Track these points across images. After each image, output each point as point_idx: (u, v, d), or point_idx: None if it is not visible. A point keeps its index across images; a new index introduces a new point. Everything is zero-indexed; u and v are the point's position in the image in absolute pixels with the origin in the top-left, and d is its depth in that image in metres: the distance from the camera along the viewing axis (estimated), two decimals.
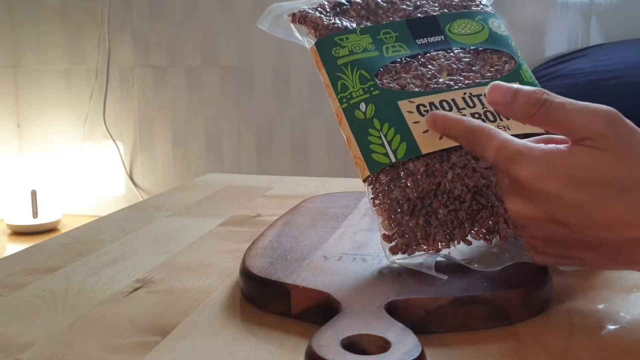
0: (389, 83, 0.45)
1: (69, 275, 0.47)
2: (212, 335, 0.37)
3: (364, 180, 0.43)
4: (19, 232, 2.26)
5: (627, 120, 0.36)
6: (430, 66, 0.47)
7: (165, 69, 2.32)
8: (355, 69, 0.45)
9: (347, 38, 0.47)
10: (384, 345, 0.31)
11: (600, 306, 0.41)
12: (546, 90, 0.38)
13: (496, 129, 0.39)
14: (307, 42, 0.48)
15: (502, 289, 0.39)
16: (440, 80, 0.46)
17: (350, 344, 0.31)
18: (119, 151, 2.38)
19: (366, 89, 0.44)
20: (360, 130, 0.43)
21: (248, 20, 2.23)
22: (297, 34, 0.49)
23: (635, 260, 0.36)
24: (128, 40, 2.33)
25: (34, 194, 2.28)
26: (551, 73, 1.86)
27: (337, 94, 0.45)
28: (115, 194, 2.41)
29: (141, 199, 2.34)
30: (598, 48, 1.92)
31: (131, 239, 0.58)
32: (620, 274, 0.47)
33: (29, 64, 2.42)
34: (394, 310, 0.35)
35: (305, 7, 0.49)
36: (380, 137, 0.43)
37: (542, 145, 0.37)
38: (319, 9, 0.49)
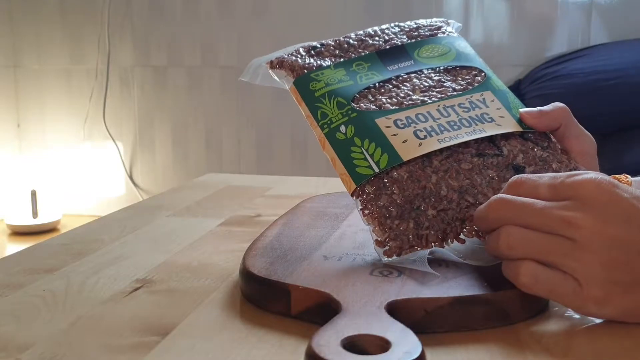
0: (366, 105, 0.47)
1: (69, 275, 0.47)
2: (212, 335, 0.37)
3: (352, 194, 0.45)
4: (19, 232, 2.26)
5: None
6: (403, 87, 0.49)
7: (165, 69, 2.32)
8: (333, 98, 0.47)
9: (322, 73, 0.49)
10: (384, 345, 0.31)
11: None
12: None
13: (529, 175, 0.40)
14: (287, 82, 0.51)
15: (502, 289, 0.39)
16: (414, 97, 0.48)
17: (350, 344, 0.31)
18: (119, 151, 2.38)
19: (344, 113, 0.46)
20: (342, 149, 0.45)
21: (248, 20, 2.23)
22: (276, 78, 0.52)
23: None
24: (128, 40, 2.33)
25: (34, 194, 2.28)
26: (551, 73, 1.86)
27: (317, 121, 0.47)
28: (115, 194, 2.41)
29: (141, 199, 2.34)
30: (598, 48, 1.92)
31: (131, 239, 0.58)
32: None
33: (29, 64, 2.42)
34: (394, 310, 0.35)
35: (281, 53, 0.52)
36: (362, 152, 0.44)
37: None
38: (294, 53, 0.52)
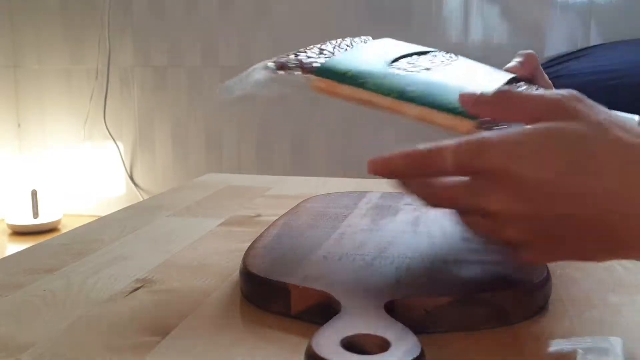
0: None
1: (69, 275, 0.47)
2: (212, 335, 0.37)
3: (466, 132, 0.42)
4: (19, 232, 2.26)
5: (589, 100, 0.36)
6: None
7: (165, 69, 2.32)
8: (367, 73, 0.46)
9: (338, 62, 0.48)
10: (384, 345, 0.31)
11: (601, 306, 0.41)
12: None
13: (442, 143, 0.37)
14: (303, 79, 0.48)
15: (502, 289, 0.39)
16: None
17: (350, 344, 0.31)
18: (119, 151, 2.39)
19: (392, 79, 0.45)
20: (427, 99, 0.43)
21: (248, 20, 2.23)
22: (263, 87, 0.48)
23: (630, 244, 0.34)
24: (128, 40, 2.33)
25: (34, 194, 2.28)
26: (551, 73, 1.86)
27: (377, 92, 0.44)
28: (116, 194, 2.41)
29: (141, 199, 2.34)
30: (598, 48, 1.92)
31: (131, 239, 0.58)
32: (621, 274, 0.47)
33: (29, 64, 2.42)
34: (394, 310, 0.35)
35: (282, 57, 0.50)
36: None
37: (494, 132, 0.36)
38: (298, 54, 0.51)
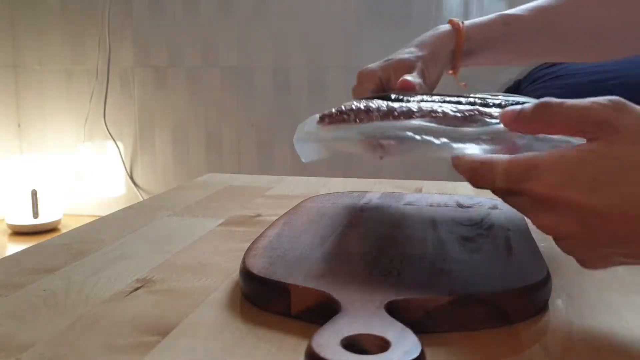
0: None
1: (69, 275, 0.48)
2: (212, 335, 0.37)
3: None
4: (19, 232, 2.26)
5: (634, 105, 0.35)
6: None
7: (165, 69, 2.32)
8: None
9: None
10: (384, 345, 0.31)
11: (601, 306, 0.41)
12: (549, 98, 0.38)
13: (495, 156, 0.38)
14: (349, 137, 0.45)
15: (502, 289, 0.39)
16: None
17: (350, 344, 0.31)
18: (119, 151, 2.39)
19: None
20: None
21: (248, 20, 2.23)
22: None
23: None
24: (128, 41, 2.33)
25: (34, 194, 2.28)
26: (551, 73, 1.85)
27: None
28: (116, 194, 2.41)
29: (141, 199, 2.34)
30: None
31: (131, 239, 0.58)
32: (621, 274, 0.47)
33: (29, 64, 2.42)
34: (394, 310, 0.35)
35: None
36: None
37: (547, 153, 0.35)
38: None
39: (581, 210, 0.34)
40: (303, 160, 0.48)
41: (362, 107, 0.45)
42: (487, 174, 0.37)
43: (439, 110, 0.44)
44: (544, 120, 0.37)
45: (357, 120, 0.45)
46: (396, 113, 0.44)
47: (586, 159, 0.34)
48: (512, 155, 0.37)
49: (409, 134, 0.42)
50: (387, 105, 0.45)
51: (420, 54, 0.66)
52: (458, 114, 0.43)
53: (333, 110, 0.47)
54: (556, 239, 0.37)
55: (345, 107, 0.47)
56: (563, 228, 0.35)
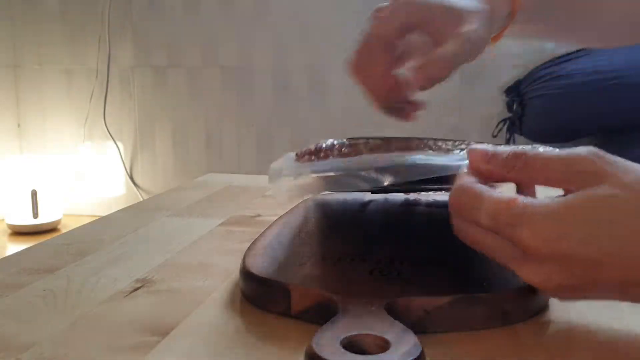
0: None
1: (69, 275, 0.47)
2: (212, 335, 0.37)
3: None
4: (19, 232, 2.26)
5: (608, 154, 0.35)
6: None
7: (165, 69, 2.32)
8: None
9: None
10: (384, 345, 0.31)
11: (601, 306, 0.41)
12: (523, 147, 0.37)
13: (483, 187, 0.36)
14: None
15: (502, 289, 0.39)
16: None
17: (350, 344, 0.31)
18: (119, 151, 2.39)
19: None
20: None
21: (248, 20, 2.23)
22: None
23: None
24: (128, 40, 2.33)
25: (34, 193, 2.28)
26: (551, 73, 1.85)
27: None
28: (115, 194, 2.41)
29: (141, 199, 2.34)
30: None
31: (131, 239, 0.58)
32: None
33: (29, 64, 2.42)
34: (394, 310, 0.35)
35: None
36: None
37: (537, 203, 0.34)
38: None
39: (575, 262, 0.33)
40: (277, 199, 0.47)
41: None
42: (471, 202, 0.36)
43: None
44: (522, 167, 0.36)
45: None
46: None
47: (578, 209, 0.33)
48: (501, 196, 0.35)
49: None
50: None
51: (481, 5, 0.52)
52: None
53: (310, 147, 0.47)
54: (544, 290, 0.36)
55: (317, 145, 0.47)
56: (554, 281, 0.34)
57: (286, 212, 0.58)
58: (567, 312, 0.40)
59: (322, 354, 0.29)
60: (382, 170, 0.41)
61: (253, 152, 2.30)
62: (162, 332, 0.37)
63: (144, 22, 2.31)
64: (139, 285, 0.45)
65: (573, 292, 0.35)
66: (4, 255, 0.57)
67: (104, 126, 2.37)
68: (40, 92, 2.42)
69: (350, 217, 0.56)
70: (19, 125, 2.46)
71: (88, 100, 2.37)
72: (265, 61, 2.22)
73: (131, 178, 2.40)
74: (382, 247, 0.47)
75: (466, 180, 0.38)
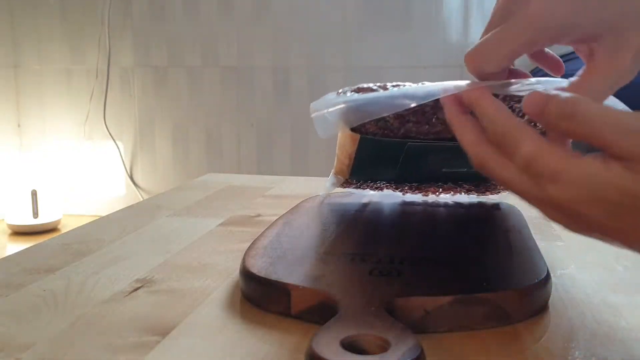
0: None
1: (69, 275, 0.47)
2: (212, 335, 0.37)
3: None
4: (19, 232, 2.26)
5: None
6: None
7: (165, 69, 2.32)
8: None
9: None
10: (383, 345, 0.31)
11: (601, 306, 0.41)
12: (584, 99, 0.32)
13: (528, 129, 0.33)
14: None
15: (502, 289, 0.39)
16: None
17: (350, 344, 0.31)
18: (119, 151, 2.39)
19: None
20: None
21: (248, 20, 2.23)
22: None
23: None
24: (128, 40, 2.33)
25: (34, 193, 2.28)
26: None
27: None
28: (115, 194, 2.42)
29: (141, 199, 2.34)
30: None
31: (131, 239, 0.58)
32: (621, 274, 0.47)
33: (29, 64, 2.42)
34: (394, 310, 0.35)
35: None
36: None
37: (576, 161, 0.31)
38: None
39: (600, 226, 0.32)
40: (320, 135, 0.48)
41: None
42: (507, 146, 0.33)
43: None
44: (573, 121, 0.32)
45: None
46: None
47: (616, 178, 0.30)
48: (538, 142, 0.32)
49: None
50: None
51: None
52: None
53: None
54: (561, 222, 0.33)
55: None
56: (575, 230, 0.33)
57: (286, 212, 0.58)
58: (567, 312, 0.40)
59: (322, 354, 0.29)
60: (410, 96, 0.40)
61: (253, 152, 2.30)
62: (162, 332, 0.37)
63: (144, 22, 2.31)
64: (139, 285, 0.45)
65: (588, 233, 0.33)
66: (4, 255, 0.57)
67: (104, 126, 2.37)
68: (40, 91, 2.42)
69: (350, 217, 0.56)
70: (19, 125, 2.46)
71: (88, 100, 2.37)
72: (265, 61, 2.22)
73: (131, 178, 2.40)
74: (382, 246, 0.47)
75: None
